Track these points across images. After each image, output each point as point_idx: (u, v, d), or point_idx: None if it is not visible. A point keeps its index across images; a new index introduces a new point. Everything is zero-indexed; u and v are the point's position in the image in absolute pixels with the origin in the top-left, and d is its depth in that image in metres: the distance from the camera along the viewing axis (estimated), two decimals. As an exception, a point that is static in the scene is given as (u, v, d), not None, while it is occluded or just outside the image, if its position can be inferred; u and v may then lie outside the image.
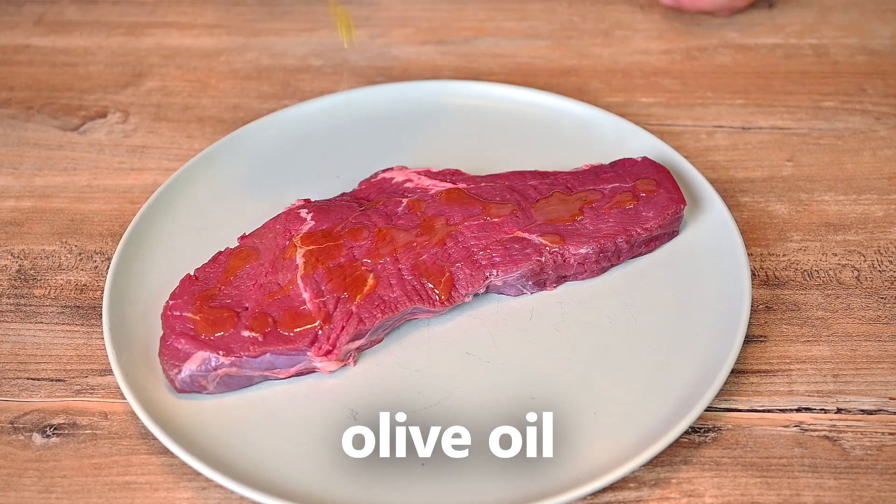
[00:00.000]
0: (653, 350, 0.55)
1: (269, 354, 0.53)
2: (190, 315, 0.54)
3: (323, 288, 0.55)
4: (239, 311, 0.54)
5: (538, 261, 0.57)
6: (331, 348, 0.53)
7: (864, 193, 0.66)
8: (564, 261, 0.57)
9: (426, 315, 0.56)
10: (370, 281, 0.55)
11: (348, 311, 0.54)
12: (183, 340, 0.53)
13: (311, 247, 0.57)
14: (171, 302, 0.55)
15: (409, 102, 0.70)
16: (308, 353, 0.53)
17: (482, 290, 0.57)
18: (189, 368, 0.52)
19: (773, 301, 0.59)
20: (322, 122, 0.70)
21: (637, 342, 0.55)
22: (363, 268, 0.56)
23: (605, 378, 0.54)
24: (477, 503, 0.49)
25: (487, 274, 0.56)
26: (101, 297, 0.59)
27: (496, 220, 0.58)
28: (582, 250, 0.57)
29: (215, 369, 0.52)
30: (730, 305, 0.56)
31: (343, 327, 0.53)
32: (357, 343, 0.54)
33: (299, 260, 0.56)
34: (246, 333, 0.53)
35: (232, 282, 0.56)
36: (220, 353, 0.52)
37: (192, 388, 0.53)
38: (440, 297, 0.55)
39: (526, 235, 0.57)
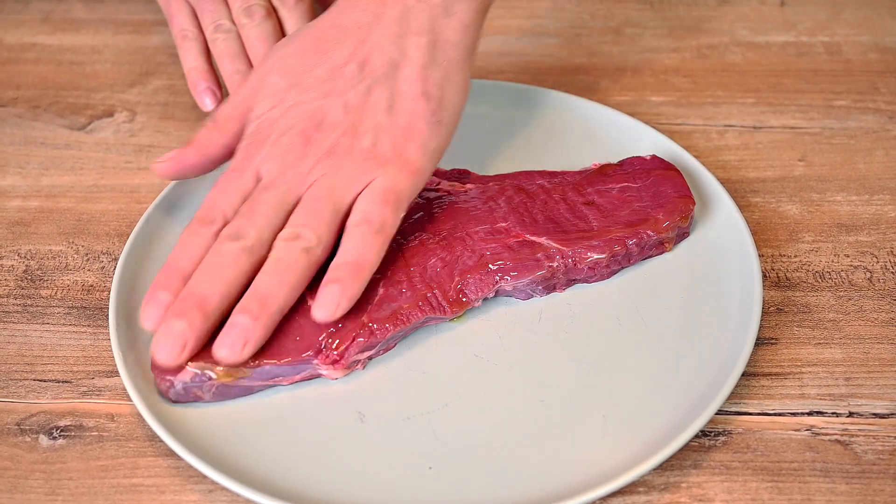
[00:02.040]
0: (662, 352, 0.54)
1: (269, 366, 0.51)
2: None
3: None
4: None
5: (550, 267, 0.56)
6: (338, 358, 0.52)
7: (877, 194, 0.65)
8: (575, 265, 0.56)
9: (436, 322, 0.56)
10: (381, 290, 0.54)
11: (359, 321, 0.53)
12: None
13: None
14: None
15: (417, 101, 0.70)
16: (314, 362, 0.52)
17: (491, 295, 0.56)
18: (182, 381, 0.51)
19: (784, 303, 0.58)
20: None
21: (647, 344, 0.55)
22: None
23: (614, 380, 0.53)
24: (485, 507, 0.48)
25: (497, 278, 0.55)
26: (108, 298, 0.59)
27: (504, 223, 0.58)
28: (593, 255, 0.56)
29: (210, 380, 0.51)
30: (740, 307, 0.55)
31: (354, 338, 0.52)
32: (367, 354, 0.53)
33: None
34: None
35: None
36: (216, 364, 0.50)
37: (188, 398, 0.52)
38: (451, 308, 0.54)
39: (535, 239, 0.57)
